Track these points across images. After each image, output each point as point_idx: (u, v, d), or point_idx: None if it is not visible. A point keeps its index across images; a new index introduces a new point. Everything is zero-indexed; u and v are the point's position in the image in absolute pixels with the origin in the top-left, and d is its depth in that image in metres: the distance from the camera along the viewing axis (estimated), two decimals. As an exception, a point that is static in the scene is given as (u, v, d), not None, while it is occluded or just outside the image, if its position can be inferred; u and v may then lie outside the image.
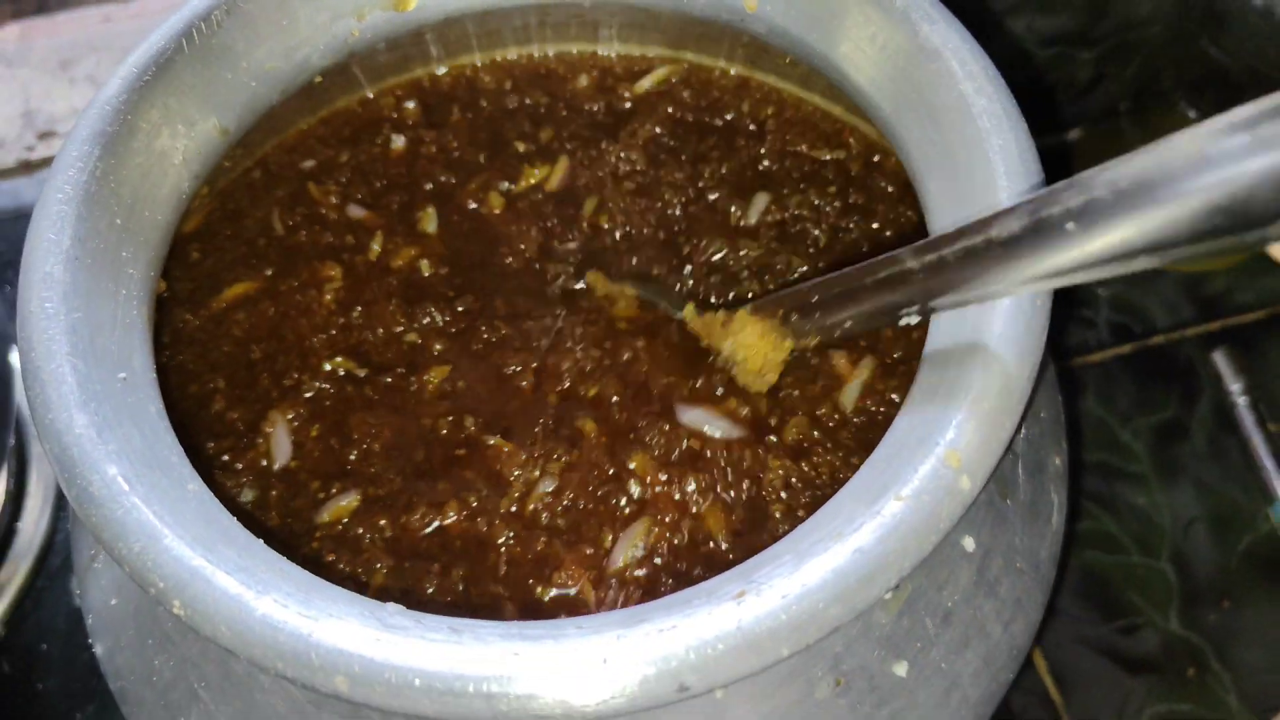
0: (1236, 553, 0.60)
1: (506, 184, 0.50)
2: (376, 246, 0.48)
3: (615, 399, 0.44)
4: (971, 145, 0.36)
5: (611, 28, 0.51)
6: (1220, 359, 0.64)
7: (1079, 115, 0.75)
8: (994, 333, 0.33)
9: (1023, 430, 0.40)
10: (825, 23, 0.42)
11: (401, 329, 0.46)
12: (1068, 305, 0.68)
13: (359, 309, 0.46)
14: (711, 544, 0.40)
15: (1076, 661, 0.57)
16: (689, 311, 0.45)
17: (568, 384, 0.44)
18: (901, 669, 0.36)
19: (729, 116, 0.52)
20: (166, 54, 0.40)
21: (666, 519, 0.40)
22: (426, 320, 0.46)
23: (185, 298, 0.47)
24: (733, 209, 0.49)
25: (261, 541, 0.33)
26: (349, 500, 0.41)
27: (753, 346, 0.42)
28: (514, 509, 0.41)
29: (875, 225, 0.48)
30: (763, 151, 0.50)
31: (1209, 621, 0.58)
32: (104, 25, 0.91)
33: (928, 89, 0.38)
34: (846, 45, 0.41)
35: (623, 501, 0.41)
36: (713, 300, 0.47)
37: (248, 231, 0.49)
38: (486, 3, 0.47)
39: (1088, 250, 0.26)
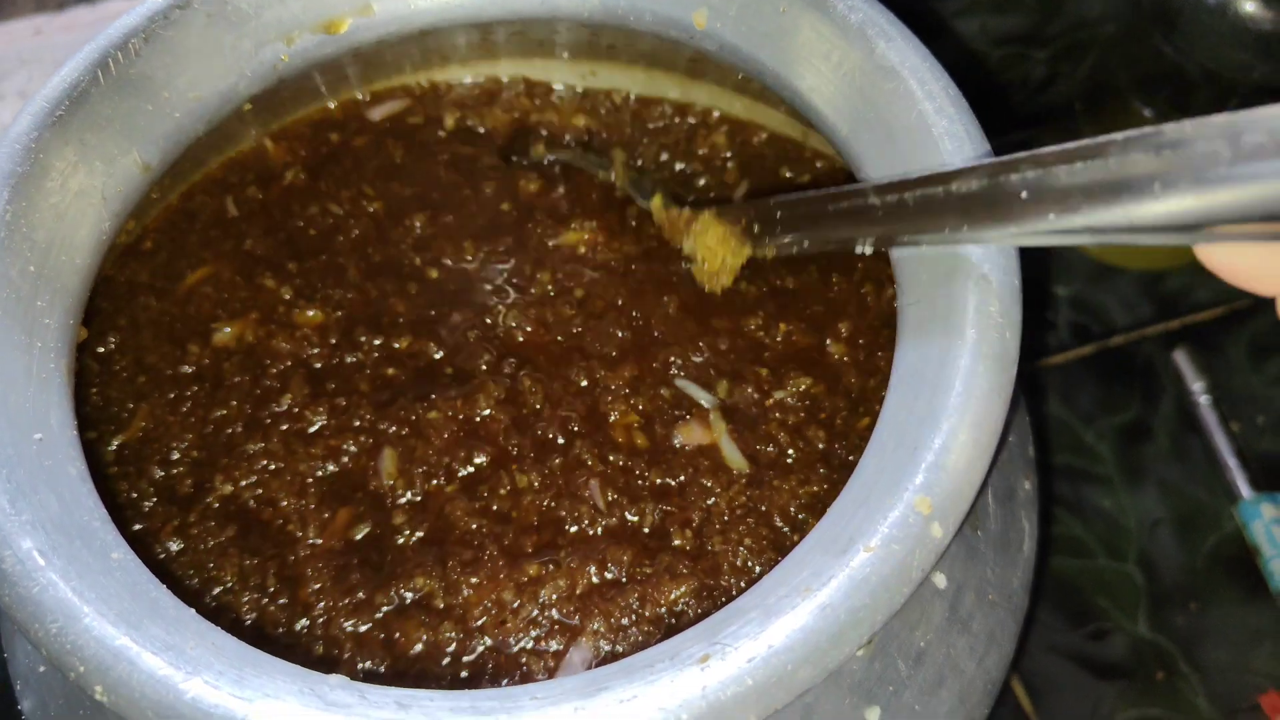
0: (1202, 553, 0.60)
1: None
2: None
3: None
4: (931, 167, 0.35)
5: (560, 46, 0.49)
6: (1181, 358, 0.64)
7: (1033, 114, 0.75)
8: (962, 366, 0.31)
9: (992, 459, 0.39)
10: (777, 40, 0.40)
11: None
12: (1026, 307, 0.67)
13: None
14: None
15: (1047, 669, 0.57)
16: (656, 202, 0.46)
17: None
18: (874, 714, 0.34)
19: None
20: (81, 86, 0.38)
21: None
22: None
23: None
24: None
25: (193, 611, 0.31)
26: None
27: (713, 250, 0.42)
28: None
29: None
30: None
31: (1177, 624, 0.58)
32: (35, 38, 0.88)
33: (886, 109, 0.37)
34: (800, 63, 0.39)
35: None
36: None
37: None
38: (424, 21, 0.45)
39: (1035, 222, 0.27)
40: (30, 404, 0.33)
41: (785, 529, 0.40)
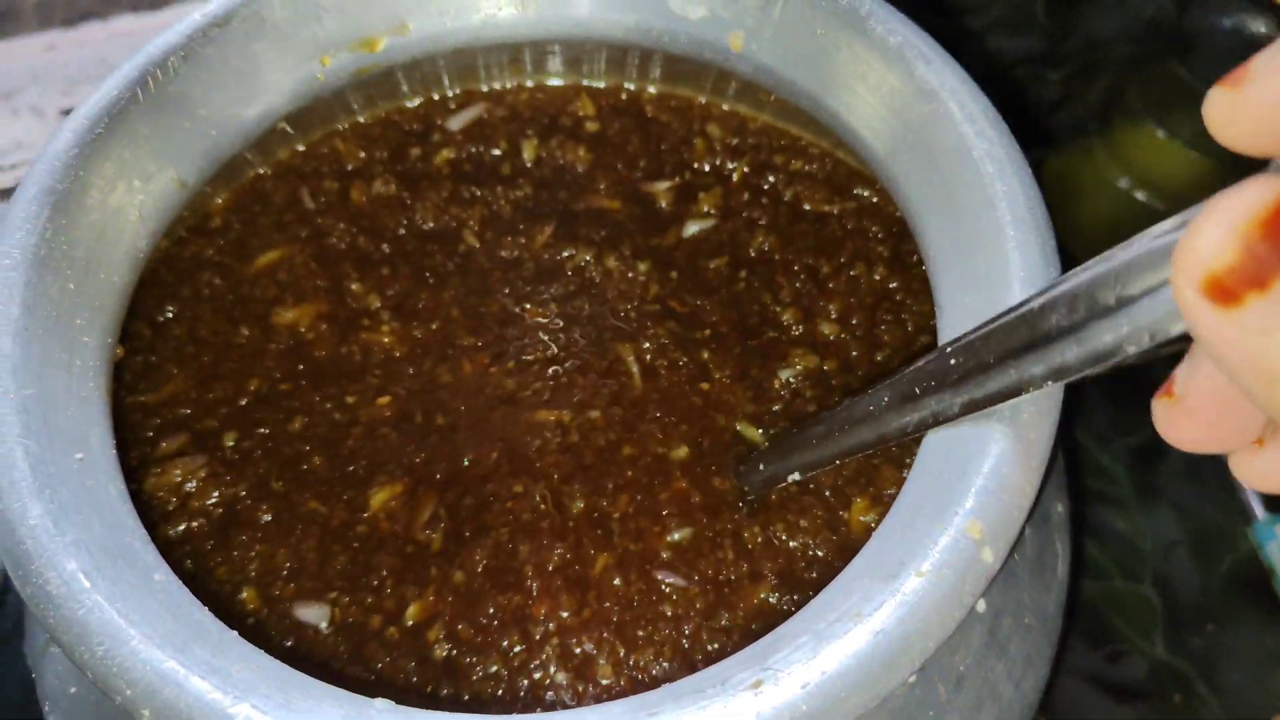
0: (1218, 575, 0.60)
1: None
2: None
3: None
4: (973, 188, 0.35)
5: (593, 63, 0.49)
6: (1193, 379, 0.64)
7: (1048, 134, 0.75)
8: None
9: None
10: (814, 62, 0.40)
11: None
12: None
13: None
14: None
15: (1065, 692, 0.57)
16: None
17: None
18: (915, 739, 0.34)
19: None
20: (120, 104, 0.38)
21: None
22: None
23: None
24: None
25: (235, 634, 0.30)
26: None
27: None
28: None
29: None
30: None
31: (1194, 645, 0.57)
32: (48, 54, 0.87)
33: (925, 131, 0.37)
34: (838, 86, 0.40)
35: None
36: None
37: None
38: (458, 41, 0.45)
39: None
40: (71, 423, 0.33)
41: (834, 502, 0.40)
